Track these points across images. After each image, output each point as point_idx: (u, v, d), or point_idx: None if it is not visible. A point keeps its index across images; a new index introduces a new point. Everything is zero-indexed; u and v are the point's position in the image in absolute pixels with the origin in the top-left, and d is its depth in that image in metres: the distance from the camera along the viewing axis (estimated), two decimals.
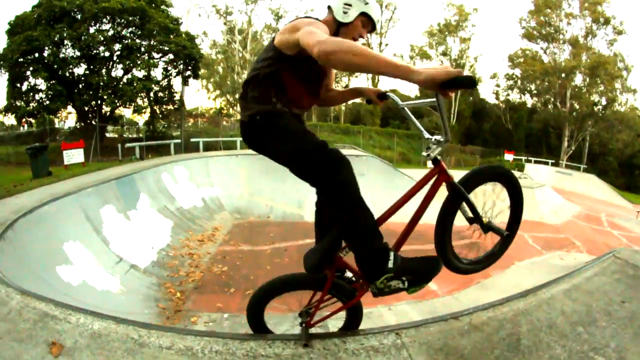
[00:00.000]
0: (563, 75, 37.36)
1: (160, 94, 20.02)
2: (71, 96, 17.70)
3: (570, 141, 37.76)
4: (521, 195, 2.27)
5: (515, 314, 2.41)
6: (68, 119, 23.91)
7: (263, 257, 7.03)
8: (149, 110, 20.14)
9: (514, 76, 41.98)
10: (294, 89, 2.00)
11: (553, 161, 33.50)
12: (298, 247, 7.85)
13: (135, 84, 17.75)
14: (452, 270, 2.17)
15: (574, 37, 38.01)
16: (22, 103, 17.41)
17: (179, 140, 16.46)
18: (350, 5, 2.07)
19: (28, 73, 17.04)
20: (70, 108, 19.82)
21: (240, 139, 14.48)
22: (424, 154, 1.96)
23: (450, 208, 2.06)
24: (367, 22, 2.13)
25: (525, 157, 32.18)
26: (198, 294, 5.13)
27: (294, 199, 10.57)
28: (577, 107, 37.58)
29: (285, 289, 2.26)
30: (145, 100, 19.60)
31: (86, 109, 18.87)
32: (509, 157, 29.59)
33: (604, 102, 38.26)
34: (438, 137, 1.93)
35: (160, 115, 21.04)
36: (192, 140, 16.21)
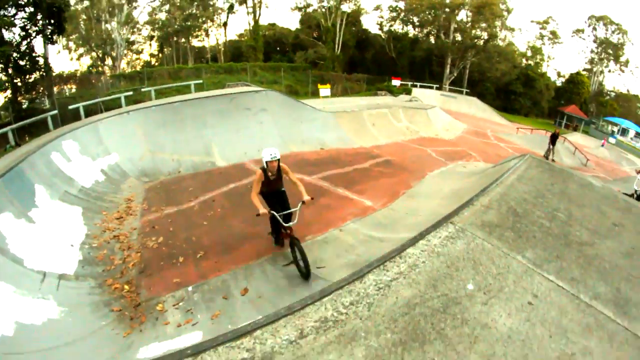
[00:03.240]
0: (447, 10, 38.03)
1: (21, 61, 14.87)
2: None
3: (452, 68, 39.57)
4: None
5: (505, 191, 3.63)
6: None
7: (194, 215, 6.31)
8: (9, 84, 14.96)
9: (397, 8, 41.61)
10: None
11: (437, 86, 35.67)
12: (225, 195, 7.24)
13: None
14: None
15: None
16: None
17: (55, 111, 12.91)
18: (262, 160, 4.51)
19: None
20: None
21: (125, 94, 12.09)
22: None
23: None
24: (269, 162, 4.48)
25: (411, 83, 33.37)
26: (147, 278, 4.37)
27: (200, 146, 9.54)
28: (460, 39, 38.93)
29: None
30: (1, 74, 14.44)
31: None
32: (396, 82, 30.30)
33: (485, 36, 40.00)
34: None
35: (24, 88, 15.88)
36: (70, 107, 12.81)
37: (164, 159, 8.86)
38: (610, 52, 45.69)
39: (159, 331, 3.35)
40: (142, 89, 15.83)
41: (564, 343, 1.70)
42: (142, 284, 4.26)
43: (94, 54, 30.60)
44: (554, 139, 16.65)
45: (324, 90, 23.02)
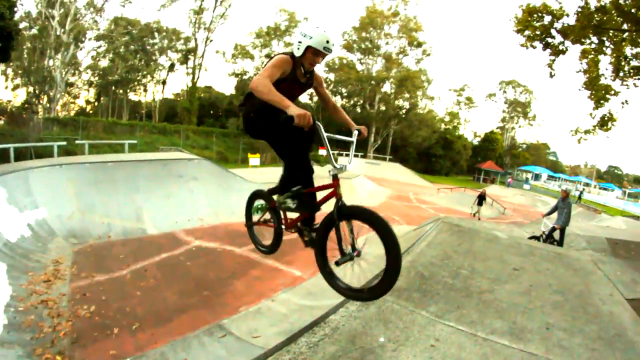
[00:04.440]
0: (373, 82, 42.79)
1: None
2: None
3: (377, 137, 43.91)
4: (389, 237, 2.26)
5: (415, 258, 4.34)
6: None
7: (126, 284, 6.34)
8: None
9: (327, 80, 45.20)
10: None
11: (362, 154, 38.63)
12: (157, 264, 7.32)
13: None
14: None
15: (389, 53, 43.97)
16: None
17: None
18: (300, 42, 2.56)
19: None
20: None
21: (58, 143, 11.40)
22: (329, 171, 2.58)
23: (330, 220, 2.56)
24: (317, 52, 2.57)
25: (337, 152, 35.74)
26: (81, 349, 4.36)
27: (131, 211, 9.46)
28: (384, 109, 43.72)
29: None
30: None
31: None
32: (322, 152, 32.18)
33: (407, 106, 45.70)
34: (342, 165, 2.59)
35: None
36: (1, 146, 11.67)
37: (94, 221, 8.66)
38: (519, 110, 53.69)
39: None
40: (77, 141, 15.25)
41: None
42: (76, 355, 4.24)
43: (31, 88, 28.64)
44: (480, 199, 18.06)
45: (254, 159, 23.70)
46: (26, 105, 27.89)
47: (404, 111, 45.32)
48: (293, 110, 2.22)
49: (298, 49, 2.57)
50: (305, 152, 2.82)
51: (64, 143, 14.77)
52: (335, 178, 2.57)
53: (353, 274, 2.56)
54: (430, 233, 5.52)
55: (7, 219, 6.80)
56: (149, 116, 39.65)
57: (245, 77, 40.63)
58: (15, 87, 31.26)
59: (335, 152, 2.88)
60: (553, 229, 9.25)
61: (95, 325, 4.90)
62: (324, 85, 3.05)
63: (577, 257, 5.37)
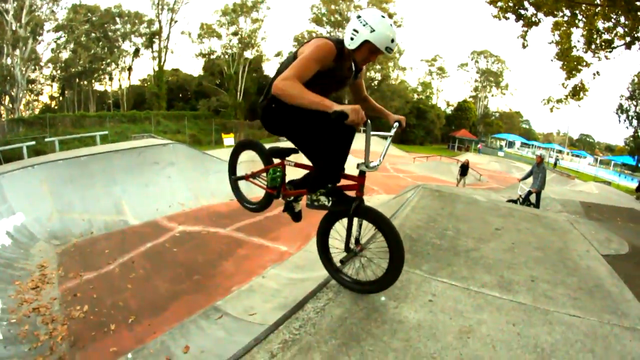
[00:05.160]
0: None
1: None
2: None
3: None
4: (397, 248, 2.22)
5: (402, 222, 4.25)
6: None
7: (116, 278, 6.26)
8: None
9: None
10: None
11: None
12: (144, 254, 7.25)
13: None
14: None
15: None
16: None
17: None
18: (356, 31, 2.04)
19: None
20: None
21: (27, 144, 10.77)
22: (359, 165, 2.31)
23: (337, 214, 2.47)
24: (374, 49, 2.07)
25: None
26: (81, 351, 4.33)
27: (110, 204, 9.18)
28: None
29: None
30: None
31: None
32: None
33: (379, 77, 45.05)
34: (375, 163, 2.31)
35: None
36: None
37: (73, 219, 8.39)
38: (492, 79, 53.74)
39: None
40: (46, 139, 14.55)
41: (461, 320, 2.36)
42: (77, 358, 4.23)
43: None
44: (464, 169, 17.48)
45: (228, 139, 23.33)
46: None
47: (376, 82, 44.85)
48: (341, 106, 1.84)
49: (352, 39, 2.06)
50: (348, 151, 2.36)
51: (33, 143, 14.22)
52: (362, 175, 2.33)
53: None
54: (413, 199, 5.55)
55: None
56: (117, 105, 37.83)
57: (212, 56, 38.95)
58: None
59: None
60: (529, 193, 9.51)
61: (91, 325, 4.86)
62: (364, 87, 2.62)
63: (554, 218, 5.56)
